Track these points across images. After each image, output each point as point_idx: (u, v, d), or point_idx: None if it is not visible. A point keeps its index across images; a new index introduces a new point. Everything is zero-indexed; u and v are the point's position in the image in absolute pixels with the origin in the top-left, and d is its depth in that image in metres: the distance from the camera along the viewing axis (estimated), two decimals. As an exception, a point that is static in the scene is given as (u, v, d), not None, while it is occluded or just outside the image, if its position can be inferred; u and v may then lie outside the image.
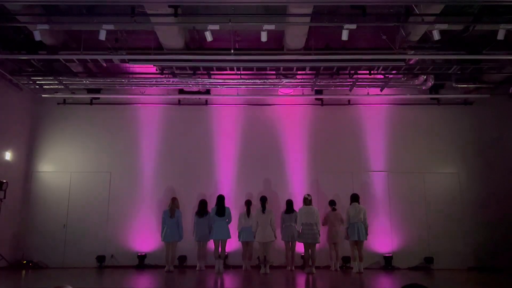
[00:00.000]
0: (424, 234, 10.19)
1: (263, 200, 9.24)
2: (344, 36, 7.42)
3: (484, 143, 10.68)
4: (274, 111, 10.90)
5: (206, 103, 10.90)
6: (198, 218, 9.20)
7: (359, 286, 6.77)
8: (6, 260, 9.23)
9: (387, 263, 9.82)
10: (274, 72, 9.82)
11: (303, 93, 10.64)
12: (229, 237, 9.03)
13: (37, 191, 10.44)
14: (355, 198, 9.31)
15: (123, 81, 9.80)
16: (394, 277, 8.01)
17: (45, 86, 10.12)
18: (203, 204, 9.33)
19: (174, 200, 9.40)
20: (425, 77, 9.78)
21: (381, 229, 10.16)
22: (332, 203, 9.71)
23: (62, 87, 10.03)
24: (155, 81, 9.85)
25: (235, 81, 9.86)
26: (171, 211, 9.21)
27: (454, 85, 10.13)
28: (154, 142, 10.77)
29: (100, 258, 9.87)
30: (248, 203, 9.32)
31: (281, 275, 8.22)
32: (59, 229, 10.21)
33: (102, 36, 7.49)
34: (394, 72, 9.67)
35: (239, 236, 9.18)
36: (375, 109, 10.86)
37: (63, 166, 10.59)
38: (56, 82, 9.81)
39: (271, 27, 7.36)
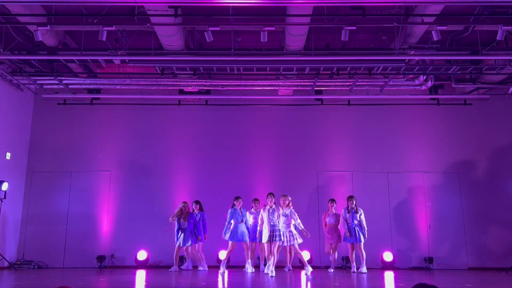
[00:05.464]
0: (424, 234, 10.21)
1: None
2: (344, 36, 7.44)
3: (484, 143, 10.69)
4: (274, 112, 10.90)
5: (206, 103, 10.91)
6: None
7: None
8: (6, 260, 9.23)
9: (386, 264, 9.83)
10: (274, 72, 9.82)
11: (302, 93, 10.65)
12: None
13: (37, 191, 10.45)
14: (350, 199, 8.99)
15: (123, 82, 9.80)
16: (395, 278, 8.01)
17: (45, 86, 10.13)
18: (198, 204, 9.33)
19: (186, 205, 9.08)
20: (425, 77, 9.79)
21: (381, 229, 10.17)
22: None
23: (62, 87, 10.04)
24: (155, 82, 9.86)
25: (235, 81, 9.86)
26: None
27: (453, 85, 10.15)
28: (154, 142, 10.76)
29: (100, 258, 9.88)
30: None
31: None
32: (59, 229, 10.22)
33: (103, 36, 7.50)
34: (394, 72, 9.67)
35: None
36: (375, 110, 10.86)
37: (63, 166, 10.59)
38: (56, 82, 9.82)
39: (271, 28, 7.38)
